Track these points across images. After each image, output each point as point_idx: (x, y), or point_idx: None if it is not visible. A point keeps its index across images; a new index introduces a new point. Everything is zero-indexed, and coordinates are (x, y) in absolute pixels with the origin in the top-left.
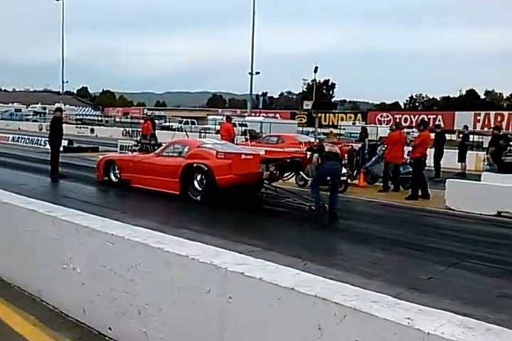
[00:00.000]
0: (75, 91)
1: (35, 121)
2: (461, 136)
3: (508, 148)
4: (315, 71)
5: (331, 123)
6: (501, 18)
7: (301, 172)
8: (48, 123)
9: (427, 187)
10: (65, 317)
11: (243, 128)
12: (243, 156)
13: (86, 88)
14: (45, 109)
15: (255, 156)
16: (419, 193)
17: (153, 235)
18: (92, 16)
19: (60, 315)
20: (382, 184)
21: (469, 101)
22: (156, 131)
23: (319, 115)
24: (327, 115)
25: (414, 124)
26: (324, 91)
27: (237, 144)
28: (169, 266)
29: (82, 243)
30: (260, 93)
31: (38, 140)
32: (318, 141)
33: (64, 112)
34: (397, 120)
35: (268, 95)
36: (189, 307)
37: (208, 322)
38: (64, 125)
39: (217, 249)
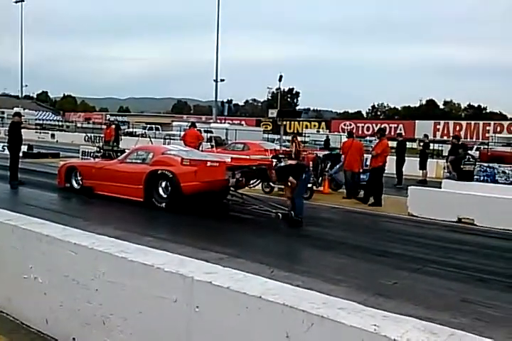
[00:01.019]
0: (35, 96)
1: None
2: (421, 144)
3: (467, 156)
4: (279, 80)
5: (295, 131)
6: (457, 35)
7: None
8: (6, 128)
9: (382, 195)
10: (27, 329)
11: (209, 134)
12: (209, 163)
13: (46, 92)
14: (3, 113)
15: (221, 163)
16: (372, 200)
17: (118, 244)
18: (55, 21)
19: (22, 326)
20: (345, 191)
21: (429, 110)
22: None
23: (284, 123)
24: (292, 123)
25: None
26: (289, 99)
27: (202, 151)
28: (134, 276)
29: (44, 252)
30: (225, 100)
31: None
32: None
33: (23, 117)
34: (360, 128)
35: (233, 102)
36: (155, 317)
37: (175, 332)
38: (23, 130)
39: (182, 257)
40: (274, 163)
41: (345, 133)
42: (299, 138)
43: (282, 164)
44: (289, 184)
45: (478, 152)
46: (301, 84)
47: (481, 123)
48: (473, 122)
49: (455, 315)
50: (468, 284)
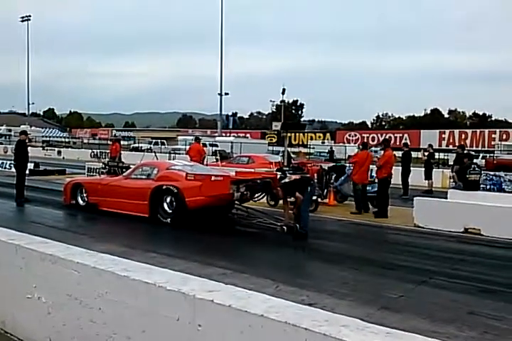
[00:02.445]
0: (42, 113)
1: (0, 143)
2: (426, 154)
3: (472, 166)
4: (283, 93)
5: (300, 143)
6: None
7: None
8: (13, 146)
9: (388, 207)
10: None
11: (214, 148)
12: (213, 178)
13: (53, 109)
14: (10, 131)
15: (225, 177)
16: (375, 211)
17: (120, 262)
18: (59, 38)
19: None
20: (355, 204)
21: (434, 119)
22: (125, 153)
23: (289, 135)
24: (297, 134)
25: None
26: (293, 111)
27: (207, 165)
28: (136, 294)
29: (47, 271)
30: (230, 113)
31: (2, 163)
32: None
33: (30, 134)
34: (365, 139)
35: (238, 115)
36: (158, 336)
37: None
38: (30, 148)
39: (185, 275)
40: (278, 177)
41: (355, 145)
42: (304, 150)
43: (287, 180)
44: (295, 199)
45: (484, 160)
46: (305, 96)
47: (486, 131)
48: (478, 130)
49: (462, 328)
50: (475, 296)
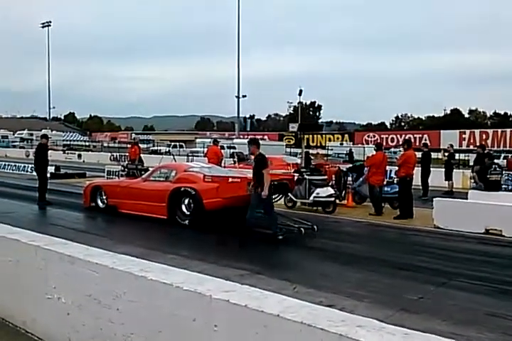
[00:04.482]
0: (62, 117)
1: (22, 147)
2: (446, 154)
3: (493, 166)
4: (299, 94)
5: (318, 144)
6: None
7: (290, 194)
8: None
9: (412, 207)
10: None
11: (231, 150)
12: (231, 179)
13: (73, 113)
14: (31, 135)
15: (243, 179)
16: (398, 212)
17: (138, 263)
18: (78, 43)
19: None
20: (372, 206)
21: (454, 120)
22: (143, 155)
23: (307, 136)
24: (315, 136)
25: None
26: (311, 112)
27: (224, 167)
28: (154, 295)
29: (66, 272)
30: (248, 115)
31: (24, 167)
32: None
33: (51, 138)
34: (384, 140)
35: (256, 117)
36: (175, 336)
37: None
38: (51, 151)
39: (202, 275)
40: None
41: (373, 146)
42: (322, 151)
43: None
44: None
45: (505, 160)
46: (323, 97)
47: (508, 130)
48: (499, 130)
49: (481, 330)
50: (495, 297)
